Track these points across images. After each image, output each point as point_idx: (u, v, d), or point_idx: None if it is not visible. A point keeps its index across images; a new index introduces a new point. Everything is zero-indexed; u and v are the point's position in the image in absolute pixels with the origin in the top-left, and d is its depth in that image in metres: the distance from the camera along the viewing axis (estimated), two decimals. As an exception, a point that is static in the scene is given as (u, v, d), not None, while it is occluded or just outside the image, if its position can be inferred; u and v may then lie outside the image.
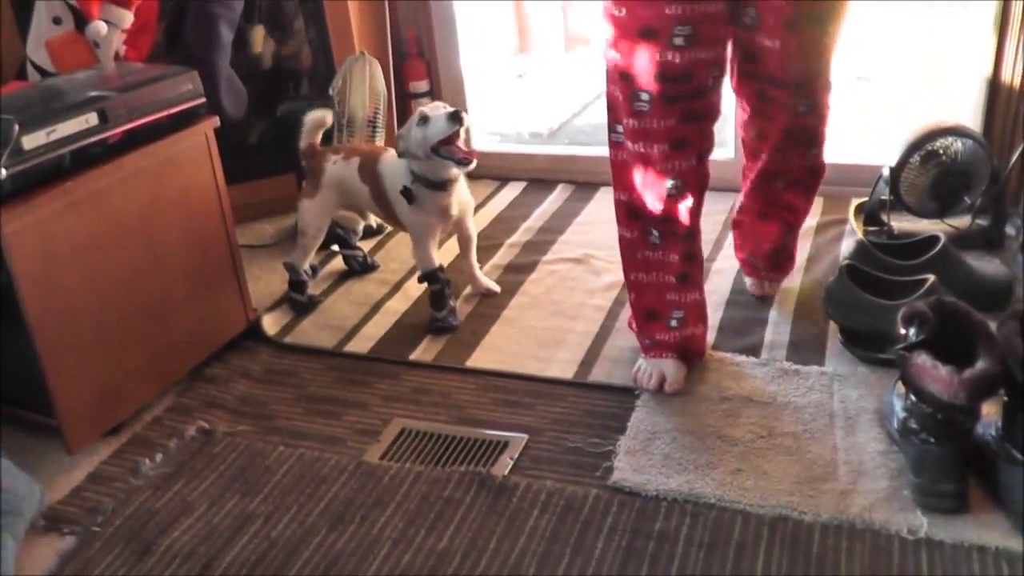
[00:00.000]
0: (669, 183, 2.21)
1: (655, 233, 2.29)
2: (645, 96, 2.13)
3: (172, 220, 2.39)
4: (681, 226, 2.27)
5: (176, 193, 2.40)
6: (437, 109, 2.49)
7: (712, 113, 2.21)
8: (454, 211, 2.63)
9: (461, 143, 2.49)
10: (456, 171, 2.54)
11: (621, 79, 2.16)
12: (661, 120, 2.15)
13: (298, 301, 2.84)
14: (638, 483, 1.99)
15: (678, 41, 2.05)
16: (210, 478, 2.15)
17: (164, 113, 2.33)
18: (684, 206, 2.24)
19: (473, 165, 2.51)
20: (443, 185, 2.57)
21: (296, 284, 2.84)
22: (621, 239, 2.35)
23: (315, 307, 2.85)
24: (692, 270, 2.32)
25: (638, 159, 2.23)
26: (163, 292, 2.39)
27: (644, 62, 2.10)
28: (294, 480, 2.11)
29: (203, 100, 2.44)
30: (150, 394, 2.42)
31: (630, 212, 2.32)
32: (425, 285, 2.70)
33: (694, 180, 2.23)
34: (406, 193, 2.57)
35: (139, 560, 1.92)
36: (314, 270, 2.91)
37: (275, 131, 3.24)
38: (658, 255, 2.31)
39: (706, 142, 2.24)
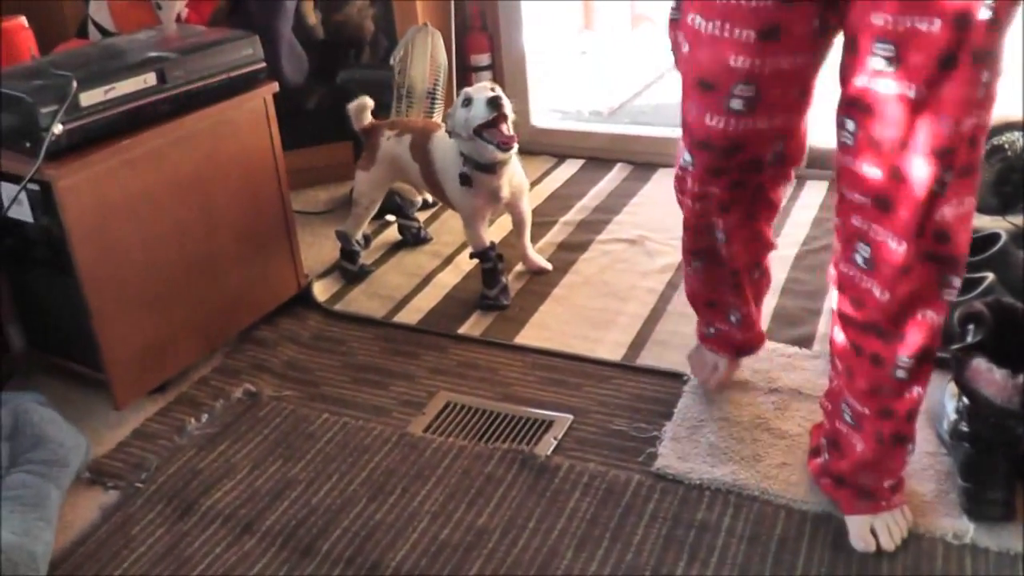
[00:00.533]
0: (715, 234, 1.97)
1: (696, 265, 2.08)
2: (688, 158, 1.84)
3: (227, 182, 2.40)
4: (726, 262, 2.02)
5: (233, 155, 2.40)
6: (482, 91, 2.47)
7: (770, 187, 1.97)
8: (504, 193, 2.61)
9: (506, 126, 2.46)
10: (501, 155, 2.51)
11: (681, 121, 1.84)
12: (701, 187, 1.87)
13: (349, 270, 2.84)
14: (682, 471, 1.97)
15: (736, 104, 1.69)
16: (254, 441, 2.15)
17: (223, 76, 2.34)
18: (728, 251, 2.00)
19: (513, 151, 2.50)
20: (492, 168, 2.54)
21: (348, 253, 2.84)
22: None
23: (366, 276, 2.85)
24: (742, 284, 2.07)
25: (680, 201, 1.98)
26: (214, 252, 2.40)
27: (692, 119, 1.77)
28: (337, 448, 2.11)
29: (263, 65, 2.44)
30: (198, 354, 2.43)
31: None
32: (476, 261, 2.69)
33: (740, 235, 1.98)
34: (464, 179, 2.55)
35: (180, 519, 1.93)
36: (367, 240, 2.91)
37: (334, 98, 3.23)
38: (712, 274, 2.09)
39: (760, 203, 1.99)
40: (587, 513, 1.88)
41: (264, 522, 1.91)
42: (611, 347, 2.42)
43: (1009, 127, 2.71)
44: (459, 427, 2.18)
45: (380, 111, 2.86)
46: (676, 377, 2.28)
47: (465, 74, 3.62)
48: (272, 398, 2.31)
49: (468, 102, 2.46)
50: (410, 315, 2.64)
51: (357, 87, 3.04)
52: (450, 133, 2.53)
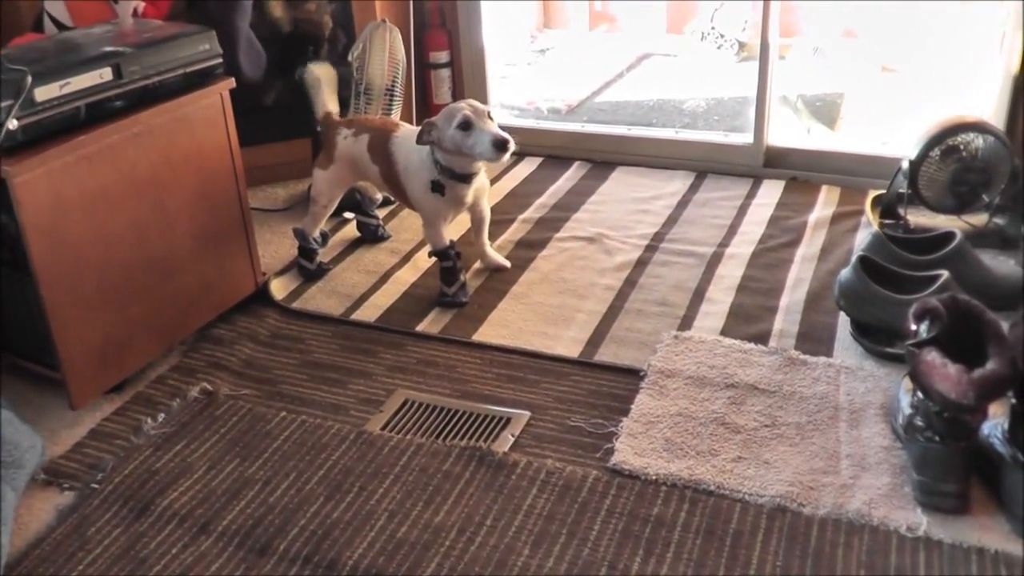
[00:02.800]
0: None
1: None
2: None
3: (184, 179, 2.38)
4: None
5: (189, 152, 2.39)
6: (481, 117, 2.43)
7: None
8: (470, 199, 2.62)
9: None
10: (481, 165, 2.54)
11: None
12: None
13: (307, 268, 2.83)
14: (638, 466, 1.98)
15: None
16: (211, 440, 2.14)
17: (179, 71, 2.32)
18: None
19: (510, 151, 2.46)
20: (467, 178, 2.54)
21: (305, 251, 2.82)
22: None
23: (324, 274, 2.84)
24: None
25: None
26: (171, 250, 2.38)
27: None
28: (294, 446, 2.11)
29: (219, 60, 2.42)
30: (155, 352, 2.41)
31: None
32: (435, 259, 2.68)
33: None
34: (436, 186, 2.54)
35: (136, 520, 1.92)
36: (324, 238, 2.89)
37: (292, 95, 3.21)
38: None
39: None
40: (544, 509, 1.89)
41: (221, 522, 1.90)
42: (569, 344, 2.43)
43: (966, 128, 2.74)
44: (417, 425, 2.18)
45: (339, 108, 2.85)
46: (633, 373, 2.29)
47: (424, 71, 3.62)
48: (229, 397, 2.30)
49: (467, 127, 2.41)
50: (368, 313, 2.63)
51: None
52: (428, 143, 2.50)
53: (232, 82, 2.47)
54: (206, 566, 1.80)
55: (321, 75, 2.78)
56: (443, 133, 2.45)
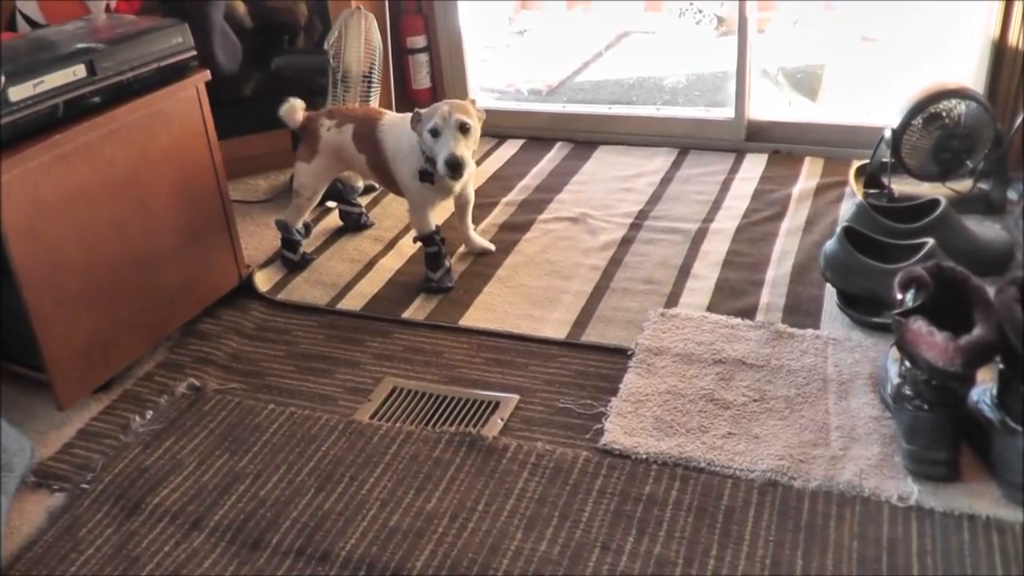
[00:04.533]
0: None
1: None
2: None
3: (163, 174, 2.37)
4: None
5: (167, 147, 2.37)
6: (450, 127, 2.42)
7: None
8: (457, 187, 2.61)
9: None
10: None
11: None
12: None
13: (290, 259, 2.82)
14: (628, 446, 1.98)
15: None
16: (200, 436, 2.13)
17: (154, 66, 2.30)
18: None
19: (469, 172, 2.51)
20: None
21: (288, 242, 2.81)
22: None
23: (307, 265, 2.83)
24: None
25: None
26: (153, 246, 2.37)
27: None
28: (284, 439, 2.10)
29: (194, 53, 2.41)
30: (141, 349, 2.40)
31: None
32: (420, 245, 2.67)
33: None
34: (425, 176, 2.53)
35: (127, 518, 1.91)
36: (307, 229, 2.88)
37: (269, 85, 3.20)
38: None
39: None
40: (535, 492, 1.88)
41: (212, 517, 1.89)
42: (555, 325, 2.43)
43: (947, 95, 2.74)
44: (406, 412, 2.17)
45: (317, 96, 2.83)
46: (621, 352, 2.29)
47: (401, 56, 3.60)
48: (217, 391, 2.29)
49: (436, 135, 2.44)
50: (354, 301, 2.62)
51: (292, 72, 3.02)
52: (415, 128, 2.50)
53: (208, 74, 2.45)
54: (199, 562, 1.79)
55: (295, 107, 2.74)
56: (424, 135, 2.47)
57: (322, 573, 1.74)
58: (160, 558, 1.81)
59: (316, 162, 2.72)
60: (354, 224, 3.01)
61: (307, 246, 2.87)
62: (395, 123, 2.62)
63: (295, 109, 2.71)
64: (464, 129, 2.44)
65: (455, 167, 2.41)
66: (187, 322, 2.54)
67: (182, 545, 1.83)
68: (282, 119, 2.73)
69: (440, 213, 2.90)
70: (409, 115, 2.53)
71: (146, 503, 1.94)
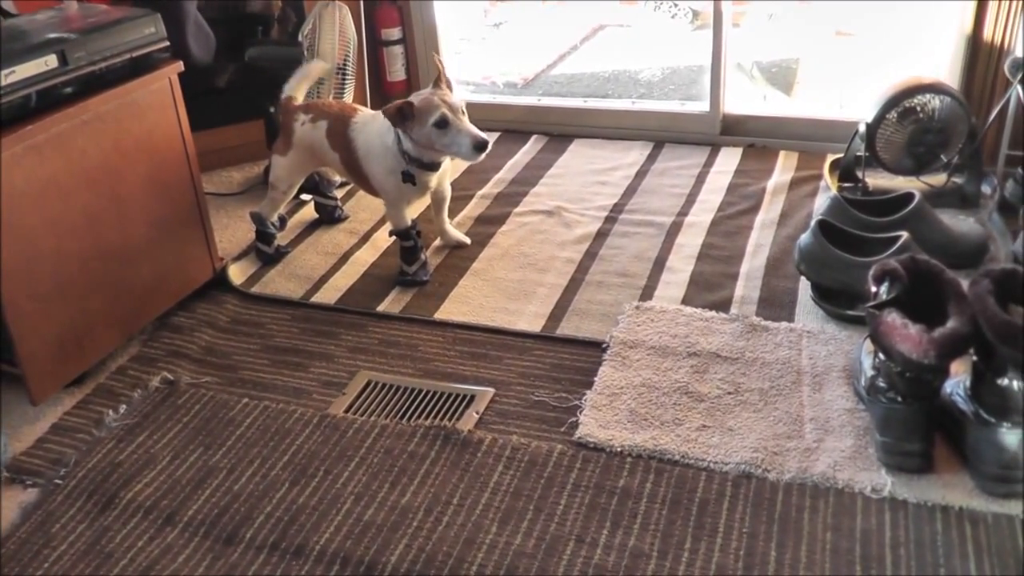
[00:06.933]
0: None
1: None
2: None
3: (135, 166, 2.35)
4: None
5: (139, 138, 2.35)
6: (457, 114, 2.39)
7: None
8: (434, 183, 2.60)
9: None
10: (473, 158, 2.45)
11: None
12: None
13: (265, 252, 2.80)
14: (603, 439, 1.98)
15: None
16: (174, 430, 2.12)
17: (126, 56, 2.29)
18: None
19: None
20: (436, 166, 2.53)
21: (263, 235, 2.80)
22: None
23: (282, 258, 2.82)
24: None
25: None
26: (126, 239, 2.35)
27: None
28: (258, 433, 2.09)
29: (166, 44, 2.39)
30: (114, 343, 2.38)
31: None
32: (394, 238, 2.66)
33: None
34: (407, 177, 2.50)
35: (101, 514, 1.90)
36: (282, 221, 2.87)
37: (243, 76, 3.18)
38: None
39: None
40: (510, 486, 1.88)
41: (186, 512, 1.88)
42: (530, 318, 2.43)
43: (922, 89, 2.75)
44: (381, 406, 2.16)
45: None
46: (596, 345, 2.29)
47: (376, 48, 3.59)
48: (191, 385, 2.27)
49: (444, 126, 2.37)
50: (328, 294, 2.61)
51: (266, 64, 3.00)
52: (399, 125, 2.43)
53: (181, 65, 2.44)
54: (173, 557, 1.78)
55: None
56: (417, 128, 2.40)
57: (296, 567, 1.74)
58: (134, 553, 1.80)
59: (291, 156, 2.70)
60: (329, 217, 3.00)
61: (282, 239, 2.86)
62: (366, 121, 2.59)
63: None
64: (464, 111, 2.42)
65: (482, 146, 2.37)
66: (161, 315, 2.52)
67: (156, 540, 1.82)
68: (297, 74, 2.76)
69: (416, 206, 2.89)
70: (379, 113, 2.50)
71: (120, 498, 1.93)
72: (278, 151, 2.73)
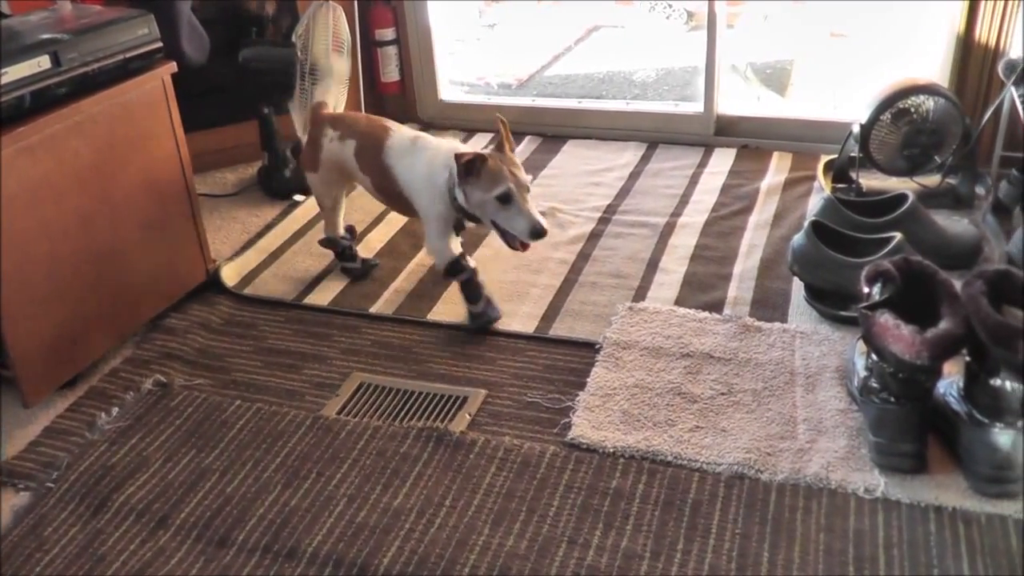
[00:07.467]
0: None
1: None
2: None
3: (128, 167, 2.34)
4: None
5: (132, 139, 2.35)
6: (522, 192, 2.19)
7: None
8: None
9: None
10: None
11: None
12: None
13: (352, 269, 2.69)
14: (596, 440, 1.98)
15: None
16: (167, 432, 2.12)
17: (119, 57, 2.28)
18: None
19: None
20: (478, 219, 2.32)
21: (341, 253, 2.70)
22: None
23: (372, 270, 2.70)
24: None
25: None
26: (119, 241, 2.34)
27: None
28: (251, 435, 2.09)
29: (159, 44, 2.39)
30: (107, 345, 2.38)
31: None
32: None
33: None
34: (459, 227, 2.38)
35: (93, 517, 1.89)
36: (351, 232, 2.73)
37: (237, 77, 3.17)
38: None
39: None
40: (503, 488, 1.88)
41: (179, 515, 1.88)
42: (524, 319, 2.42)
43: (916, 90, 2.75)
44: (373, 407, 2.16)
45: (284, 90, 2.81)
46: (589, 346, 2.29)
47: (370, 49, 3.58)
48: (184, 387, 2.27)
49: (507, 200, 2.19)
50: (321, 296, 2.61)
51: (260, 65, 2.99)
52: (463, 181, 2.24)
53: (174, 66, 2.44)
54: (165, 560, 1.78)
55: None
56: (478, 191, 2.22)
57: (289, 570, 1.73)
58: (126, 556, 1.79)
59: (322, 173, 2.58)
60: (363, 275, 2.74)
61: (273, 239, 2.83)
62: (405, 149, 2.41)
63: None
64: (529, 188, 2.24)
65: (539, 235, 2.20)
66: (154, 317, 2.52)
67: (148, 543, 1.82)
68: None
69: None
70: (417, 132, 2.39)
71: (112, 501, 1.92)
72: (308, 167, 2.61)
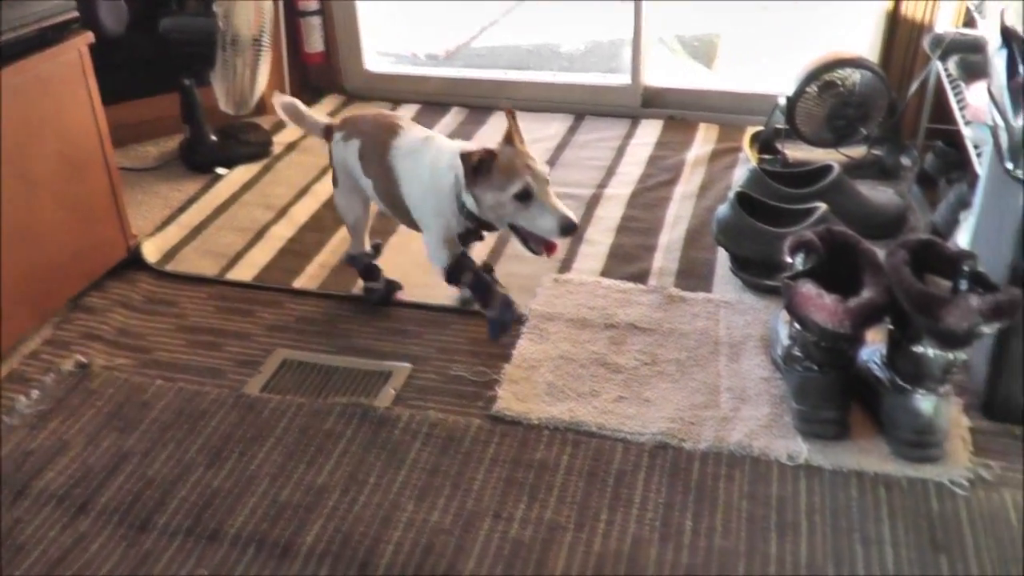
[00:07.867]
0: None
1: None
2: None
3: (44, 142, 2.29)
4: None
5: (48, 113, 2.29)
6: (543, 187, 1.98)
7: None
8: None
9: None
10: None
11: None
12: None
13: (375, 289, 2.43)
14: (520, 412, 1.98)
15: None
16: (87, 415, 2.07)
17: (34, 27, 2.22)
18: None
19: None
20: (494, 228, 2.15)
21: (366, 272, 2.44)
22: None
23: (395, 291, 2.44)
24: None
25: None
26: (35, 218, 2.29)
27: None
28: (173, 415, 2.05)
29: (75, 15, 2.32)
30: (26, 326, 2.33)
31: None
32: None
33: None
34: (468, 237, 2.19)
35: (12, 505, 1.84)
36: (376, 249, 2.46)
37: (157, 48, 3.11)
38: None
39: None
40: (428, 463, 1.88)
41: (100, 500, 1.84)
42: (449, 293, 2.41)
43: (842, 63, 2.77)
44: (297, 384, 2.14)
45: (204, 61, 2.75)
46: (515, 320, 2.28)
47: (294, 19, 3.53)
48: (105, 368, 2.23)
49: (527, 198, 1.97)
50: (244, 271, 2.57)
51: (180, 35, 2.93)
52: (473, 181, 2.02)
53: (91, 37, 2.38)
54: (85, 547, 1.74)
55: (290, 105, 2.40)
56: (491, 191, 2.01)
57: (211, 552, 1.71)
58: (46, 544, 1.76)
59: (341, 184, 2.36)
60: (388, 297, 2.47)
61: (197, 213, 2.78)
62: (413, 148, 2.19)
63: (293, 106, 2.38)
64: (548, 180, 2.03)
65: (574, 229, 1.98)
66: (74, 296, 2.46)
67: (68, 530, 1.78)
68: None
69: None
70: (429, 132, 2.24)
71: (31, 488, 1.88)
72: (333, 182, 2.40)
